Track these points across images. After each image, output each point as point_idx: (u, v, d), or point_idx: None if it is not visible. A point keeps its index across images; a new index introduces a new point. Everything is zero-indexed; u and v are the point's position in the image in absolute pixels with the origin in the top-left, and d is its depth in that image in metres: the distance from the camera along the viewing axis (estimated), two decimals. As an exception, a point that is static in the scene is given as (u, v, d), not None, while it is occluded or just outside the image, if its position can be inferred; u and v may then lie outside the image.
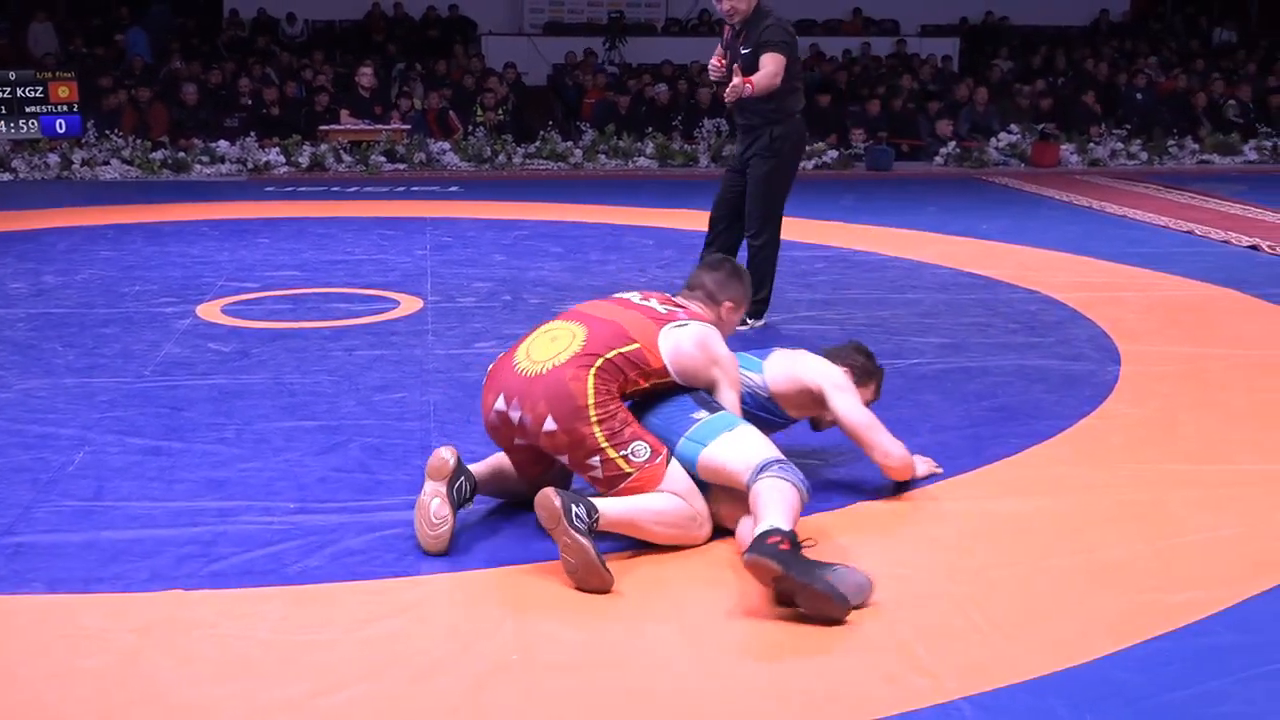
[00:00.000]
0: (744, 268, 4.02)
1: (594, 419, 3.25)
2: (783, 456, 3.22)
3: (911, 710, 2.47)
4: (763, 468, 3.13)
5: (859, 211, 9.97)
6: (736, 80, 5.63)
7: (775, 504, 3.00)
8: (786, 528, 2.92)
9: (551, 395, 3.27)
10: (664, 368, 3.42)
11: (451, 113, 14.16)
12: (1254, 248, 8.23)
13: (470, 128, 13.86)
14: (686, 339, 3.47)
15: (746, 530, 3.09)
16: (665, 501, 3.24)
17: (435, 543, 3.21)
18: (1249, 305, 6.44)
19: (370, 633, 2.79)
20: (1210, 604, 2.93)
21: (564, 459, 3.33)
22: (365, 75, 13.96)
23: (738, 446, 3.25)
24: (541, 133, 13.77)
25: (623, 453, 3.24)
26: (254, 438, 4.14)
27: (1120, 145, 14.29)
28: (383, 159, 12.93)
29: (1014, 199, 11.24)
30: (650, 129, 13.96)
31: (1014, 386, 4.86)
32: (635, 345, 3.39)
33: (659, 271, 7.30)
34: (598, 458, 3.25)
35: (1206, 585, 3.04)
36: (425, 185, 11.85)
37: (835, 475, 3.84)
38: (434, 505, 3.22)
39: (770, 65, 5.66)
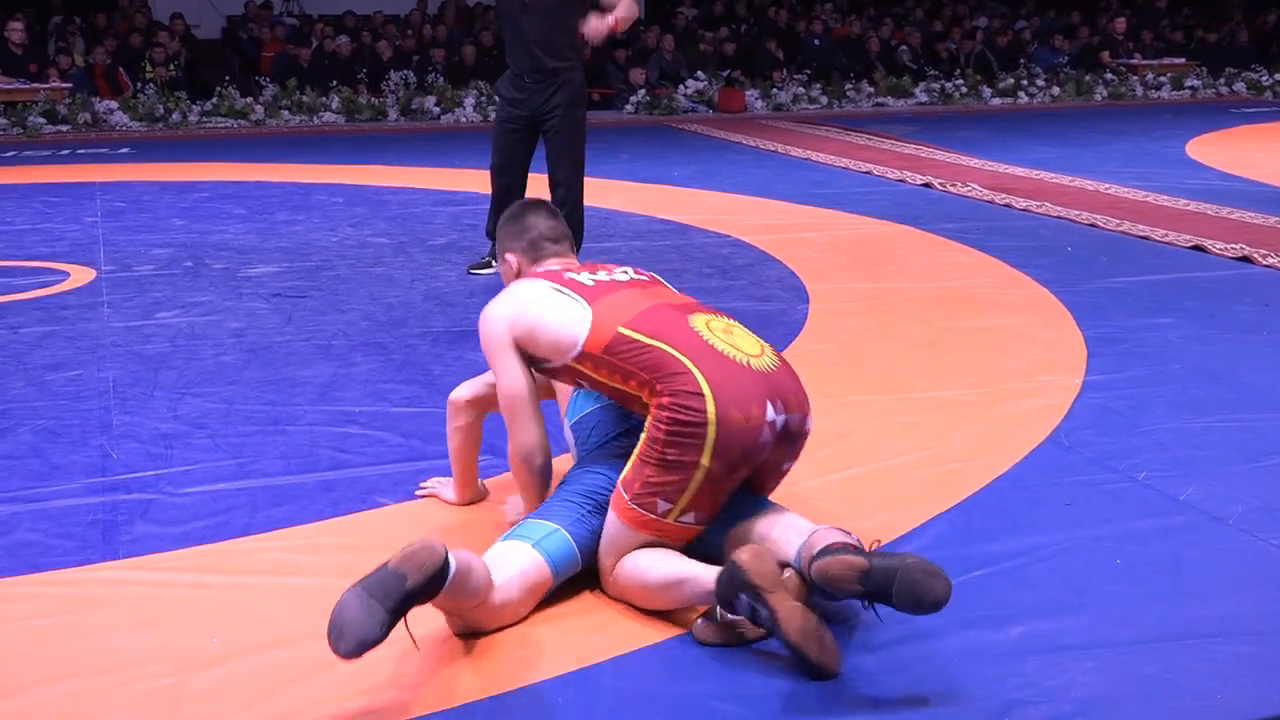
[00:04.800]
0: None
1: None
2: None
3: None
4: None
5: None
6: (598, 21, 5.24)
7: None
8: None
9: (801, 390, 2.79)
10: None
11: (121, 69, 13.35)
12: (927, 185, 8.68)
13: (139, 85, 13.11)
14: None
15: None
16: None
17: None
18: (924, 240, 6.79)
19: (51, 629, 2.60)
20: (898, 526, 3.07)
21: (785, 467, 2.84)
22: (16, 30, 13.02)
23: None
24: (218, 89, 13.17)
25: None
26: (-92, 428, 3.80)
27: (801, 90, 14.83)
28: (43, 120, 12.09)
29: (703, 145, 11.49)
30: (335, 82, 13.56)
31: (708, 329, 4.95)
32: None
33: (350, 230, 7.09)
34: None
35: (893, 508, 3.19)
36: (93, 147, 11.14)
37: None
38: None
39: None
